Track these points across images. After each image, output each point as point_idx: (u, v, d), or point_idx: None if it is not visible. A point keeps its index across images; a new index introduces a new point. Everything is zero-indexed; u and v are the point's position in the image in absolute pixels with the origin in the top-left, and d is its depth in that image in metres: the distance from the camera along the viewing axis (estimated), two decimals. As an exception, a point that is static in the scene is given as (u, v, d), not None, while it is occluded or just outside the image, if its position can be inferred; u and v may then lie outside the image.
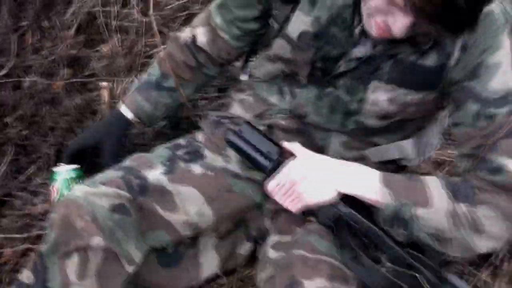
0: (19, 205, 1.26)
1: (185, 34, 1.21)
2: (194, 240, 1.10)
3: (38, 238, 1.16)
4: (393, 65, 0.96)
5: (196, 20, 1.21)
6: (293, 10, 1.01)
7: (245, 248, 1.15)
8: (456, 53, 0.92)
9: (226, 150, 1.12)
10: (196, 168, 1.08)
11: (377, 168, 1.03)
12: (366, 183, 0.95)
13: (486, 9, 0.85)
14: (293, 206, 0.98)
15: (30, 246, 1.15)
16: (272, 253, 1.05)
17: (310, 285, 0.93)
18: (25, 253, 1.15)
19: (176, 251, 1.08)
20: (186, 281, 1.11)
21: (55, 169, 1.15)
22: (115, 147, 1.21)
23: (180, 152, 1.11)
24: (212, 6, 1.16)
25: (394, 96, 0.98)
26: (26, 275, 0.92)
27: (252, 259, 1.16)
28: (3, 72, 1.49)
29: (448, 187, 0.92)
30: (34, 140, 1.37)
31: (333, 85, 1.02)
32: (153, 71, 1.23)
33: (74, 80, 1.59)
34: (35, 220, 1.23)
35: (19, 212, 1.24)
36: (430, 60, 0.94)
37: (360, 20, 0.94)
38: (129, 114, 1.22)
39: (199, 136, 1.17)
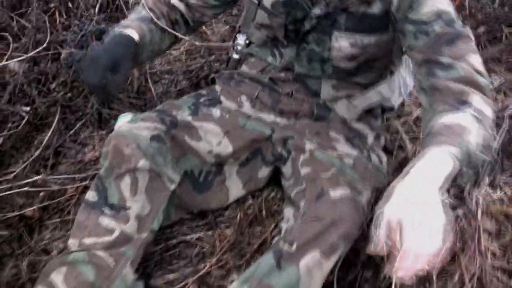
0: (72, 154, 1.44)
1: None
2: (220, 169, 1.27)
3: (93, 178, 1.33)
4: (347, 17, 1.14)
5: None
6: None
7: (263, 172, 1.31)
8: (395, 0, 1.06)
9: (239, 97, 1.31)
10: (215, 111, 1.27)
11: (366, 113, 1.25)
12: (442, 163, 0.84)
13: None
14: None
15: (88, 183, 1.33)
16: (302, 171, 1.19)
17: (334, 193, 1.07)
18: (84, 191, 1.31)
19: (206, 179, 1.26)
20: (217, 202, 1.29)
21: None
22: (129, 68, 1.21)
23: (202, 99, 1.30)
24: None
25: (353, 41, 1.16)
26: (91, 195, 1.08)
27: (273, 181, 1.33)
28: (43, 46, 1.59)
29: (453, 111, 0.94)
30: (77, 101, 1.53)
31: (305, 41, 1.21)
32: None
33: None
34: (88, 165, 1.41)
35: (73, 159, 1.43)
36: (376, 8, 1.12)
37: None
38: (136, 37, 1.20)
39: (217, 87, 1.36)
